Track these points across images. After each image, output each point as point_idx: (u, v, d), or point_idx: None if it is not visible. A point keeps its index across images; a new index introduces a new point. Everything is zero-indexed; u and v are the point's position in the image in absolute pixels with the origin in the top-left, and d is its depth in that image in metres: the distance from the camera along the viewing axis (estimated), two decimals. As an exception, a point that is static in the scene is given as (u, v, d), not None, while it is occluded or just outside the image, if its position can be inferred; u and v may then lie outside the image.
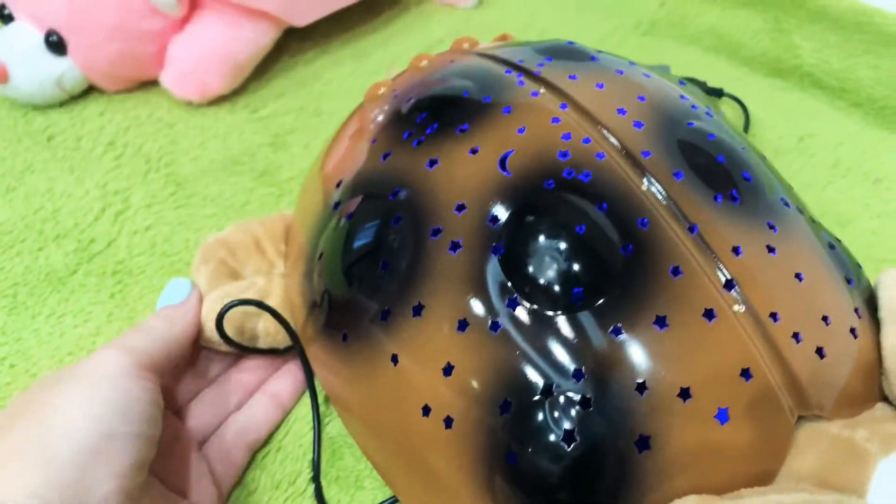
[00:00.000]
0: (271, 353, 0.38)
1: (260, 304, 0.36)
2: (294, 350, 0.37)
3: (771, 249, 0.28)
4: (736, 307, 0.27)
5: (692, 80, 0.55)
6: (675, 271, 0.27)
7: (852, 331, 0.29)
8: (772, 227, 0.29)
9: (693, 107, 0.33)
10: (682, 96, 0.33)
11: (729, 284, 0.27)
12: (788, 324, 0.27)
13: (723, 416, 0.26)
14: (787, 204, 0.31)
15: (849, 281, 0.30)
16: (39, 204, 0.45)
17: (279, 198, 0.47)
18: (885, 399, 0.29)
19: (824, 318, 0.28)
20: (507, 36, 0.40)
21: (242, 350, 0.37)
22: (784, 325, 0.27)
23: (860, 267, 0.32)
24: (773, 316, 0.27)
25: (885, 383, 0.29)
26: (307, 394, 0.36)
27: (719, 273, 0.27)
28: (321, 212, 0.36)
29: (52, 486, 0.25)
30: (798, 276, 0.28)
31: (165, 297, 0.35)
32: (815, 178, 0.50)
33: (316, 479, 0.34)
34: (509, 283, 0.28)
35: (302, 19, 0.53)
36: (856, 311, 0.29)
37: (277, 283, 0.38)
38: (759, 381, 0.26)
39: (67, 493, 0.25)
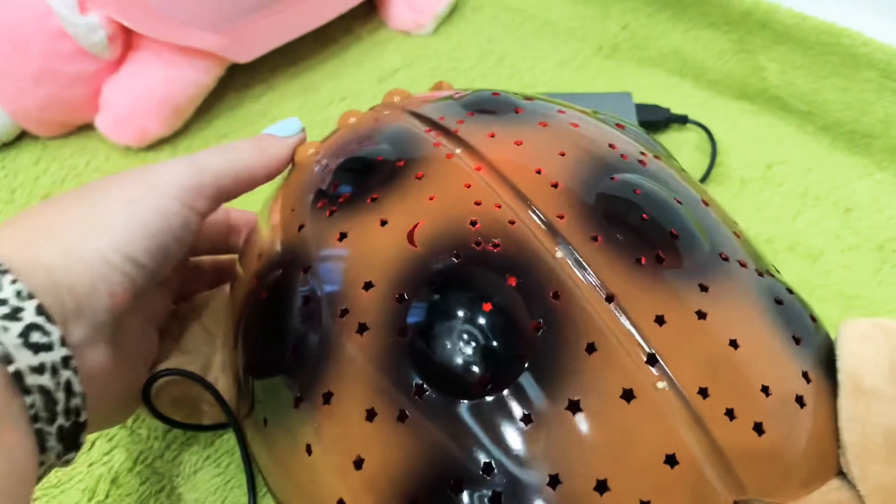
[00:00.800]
0: (216, 427, 0.36)
1: (189, 374, 0.34)
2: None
3: (701, 315, 0.26)
4: (659, 384, 0.25)
5: (655, 107, 0.53)
6: (591, 348, 0.25)
7: (799, 399, 0.26)
8: (703, 289, 0.27)
9: (623, 155, 0.31)
10: (611, 144, 0.31)
11: (651, 359, 0.25)
12: (720, 399, 0.25)
13: (646, 508, 0.24)
14: (725, 259, 0.29)
15: (797, 341, 0.28)
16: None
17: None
18: (841, 473, 0.27)
19: (764, 389, 0.26)
20: (442, 84, 0.39)
21: (182, 427, 0.35)
22: (715, 402, 0.25)
23: (815, 320, 0.30)
24: (703, 392, 0.25)
25: (842, 459, 0.26)
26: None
27: (640, 347, 0.25)
28: (246, 282, 0.34)
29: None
30: (733, 342, 0.26)
31: (276, 128, 0.35)
32: (784, 209, 0.48)
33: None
34: (414, 368, 0.26)
35: (245, 56, 0.51)
36: (804, 374, 0.27)
37: (219, 356, 0.36)
38: (687, 468, 0.24)
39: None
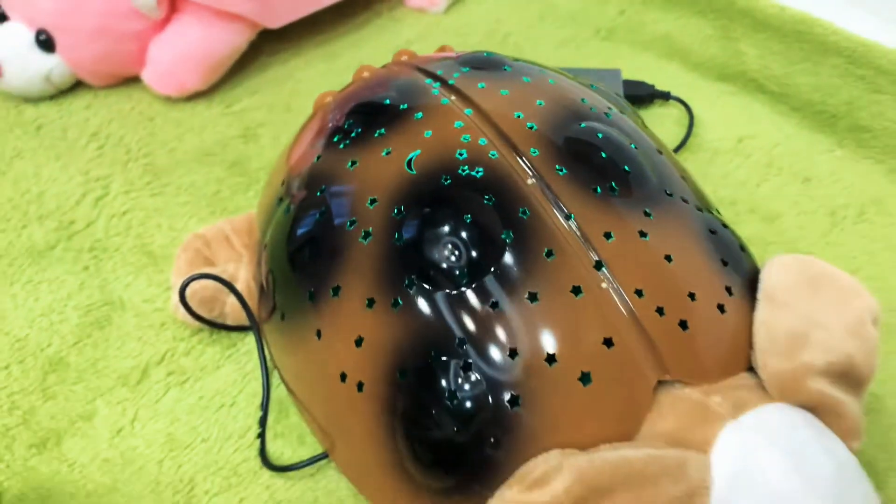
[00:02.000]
0: (237, 329, 0.42)
1: (218, 278, 0.41)
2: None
3: (643, 234, 0.32)
4: (603, 284, 0.31)
5: (641, 83, 0.58)
6: (549, 254, 0.31)
7: (720, 307, 0.32)
8: (647, 215, 0.33)
9: (592, 108, 0.37)
10: (583, 99, 0.37)
11: (598, 265, 0.31)
12: (652, 299, 0.31)
13: (585, 379, 0.29)
14: (670, 194, 0.34)
15: (725, 263, 0.34)
16: (26, 187, 0.50)
17: (248, 187, 0.51)
18: (752, 369, 0.32)
19: (691, 295, 0.31)
20: (446, 48, 0.44)
21: (208, 324, 0.42)
22: (648, 301, 0.31)
23: (745, 250, 0.36)
24: (638, 292, 0.31)
25: (752, 356, 0.32)
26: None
27: (590, 255, 0.31)
28: (271, 206, 0.40)
29: None
30: (667, 257, 0.32)
31: None
32: (750, 177, 0.53)
33: (262, 434, 0.39)
34: (407, 266, 0.32)
35: (275, 22, 0.57)
36: (727, 289, 0.33)
37: (245, 270, 0.42)
38: (621, 349, 0.30)
39: None
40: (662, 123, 0.57)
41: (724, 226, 0.36)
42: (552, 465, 0.28)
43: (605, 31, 0.64)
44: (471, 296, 0.31)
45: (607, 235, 0.32)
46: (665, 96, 0.58)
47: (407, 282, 0.32)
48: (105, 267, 0.46)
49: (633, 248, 0.32)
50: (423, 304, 0.31)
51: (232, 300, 0.42)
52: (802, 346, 0.31)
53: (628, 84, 0.58)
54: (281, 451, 0.38)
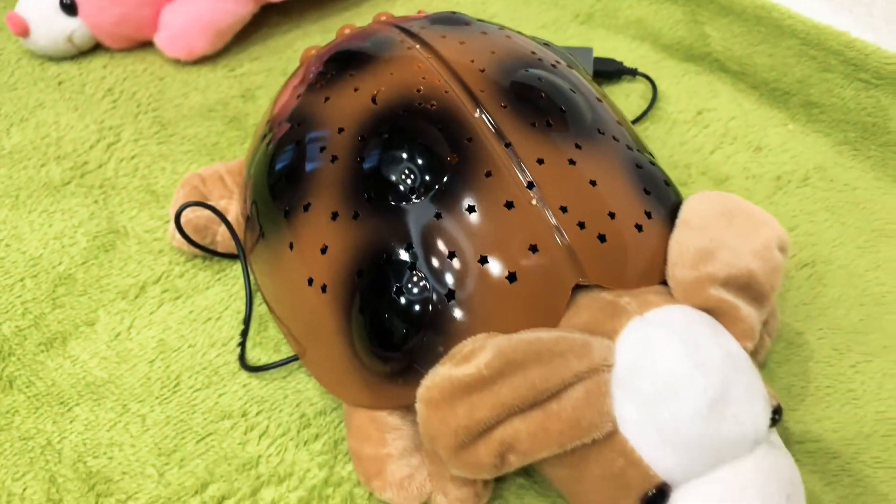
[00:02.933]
0: (226, 255, 0.48)
1: (209, 206, 0.46)
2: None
3: (572, 162, 0.37)
4: (533, 201, 0.35)
5: (611, 60, 0.63)
6: (488, 174, 0.36)
7: (638, 226, 0.37)
8: (578, 147, 0.37)
9: (540, 60, 0.41)
10: (533, 52, 0.42)
11: (530, 185, 0.36)
12: (575, 215, 0.35)
13: (512, 278, 0.34)
14: (602, 133, 0.39)
15: (648, 192, 0.38)
16: (46, 132, 0.56)
17: (244, 140, 0.57)
18: (665, 283, 0.37)
19: (611, 214, 0.36)
20: (421, 11, 0.50)
21: (200, 249, 0.47)
22: (571, 216, 0.35)
23: (669, 185, 0.40)
24: (563, 209, 0.35)
25: (666, 271, 0.36)
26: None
27: (522, 176, 0.36)
28: (256, 144, 0.45)
29: None
30: (592, 182, 0.36)
31: None
32: (705, 144, 0.57)
33: (242, 342, 0.44)
34: (367, 183, 0.37)
35: (276, -5, 0.63)
36: (647, 213, 0.37)
37: (235, 205, 0.48)
38: (545, 255, 0.34)
39: None
40: (628, 97, 0.62)
41: (652, 164, 0.40)
42: (478, 344, 0.32)
43: (583, 15, 0.69)
44: (419, 208, 0.36)
45: (540, 161, 0.36)
46: (632, 72, 0.62)
47: (366, 196, 0.37)
48: (113, 202, 0.51)
49: (561, 173, 0.37)
50: (378, 215, 0.36)
51: (222, 230, 0.47)
52: (708, 260, 0.35)
53: (598, 61, 0.62)
54: (258, 357, 0.43)
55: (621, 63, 0.63)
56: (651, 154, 0.42)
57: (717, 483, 0.31)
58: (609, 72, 0.62)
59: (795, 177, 0.55)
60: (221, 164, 0.50)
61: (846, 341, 0.45)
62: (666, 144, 0.57)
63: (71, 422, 0.40)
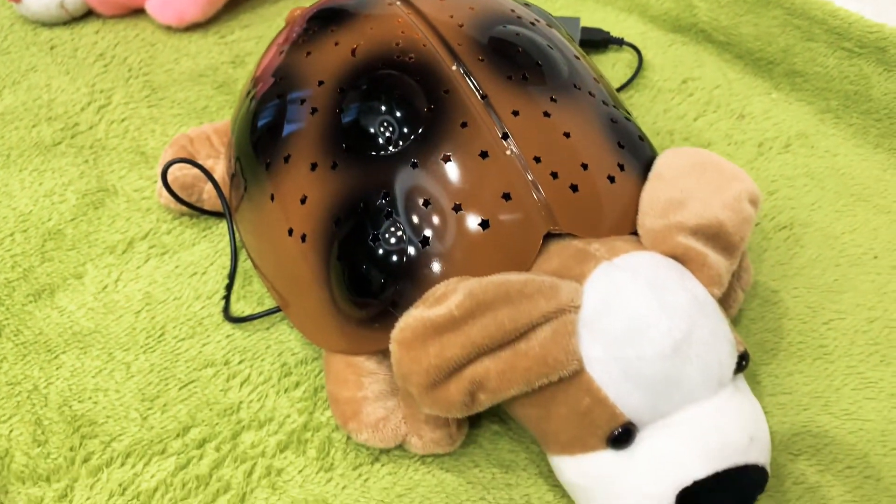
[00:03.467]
0: (212, 213, 0.48)
1: (196, 164, 0.46)
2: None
3: (546, 115, 0.37)
4: (507, 152, 0.36)
5: (598, 30, 0.63)
6: (464, 125, 0.36)
7: (611, 178, 0.37)
8: (553, 100, 0.38)
9: (519, 17, 0.42)
10: (513, 10, 0.43)
11: (505, 136, 0.36)
12: (548, 166, 0.36)
13: (484, 224, 0.35)
14: (578, 87, 0.40)
15: (622, 146, 0.39)
16: (38, 95, 0.56)
17: (232, 104, 0.58)
18: (636, 234, 0.37)
19: (584, 165, 0.37)
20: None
21: (186, 205, 0.47)
22: (544, 166, 0.36)
23: (644, 139, 0.41)
24: (537, 159, 0.36)
25: (637, 219, 0.37)
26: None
27: (497, 127, 0.36)
28: (241, 102, 0.46)
29: None
30: (566, 134, 0.37)
31: None
32: (688, 112, 0.58)
33: (227, 295, 0.44)
34: (346, 134, 0.37)
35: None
36: (619, 165, 0.38)
37: (221, 165, 0.49)
38: (517, 203, 0.35)
39: None
40: (615, 66, 0.62)
41: (627, 119, 0.41)
42: (450, 287, 0.33)
43: (573, -14, 0.70)
44: (396, 157, 0.36)
45: (515, 113, 0.37)
46: (619, 42, 0.63)
47: (344, 146, 0.37)
48: (103, 162, 0.52)
49: (536, 124, 0.37)
50: (355, 165, 0.37)
51: (209, 188, 0.48)
52: (678, 209, 0.36)
53: (586, 30, 0.63)
54: (242, 310, 0.44)
55: (608, 32, 0.63)
56: (628, 111, 0.43)
57: (681, 423, 0.32)
58: (596, 41, 0.63)
59: (777, 143, 0.56)
60: (209, 125, 0.51)
61: (820, 300, 0.46)
62: (650, 112, 0.58)
63: (57, 368, 0.41)
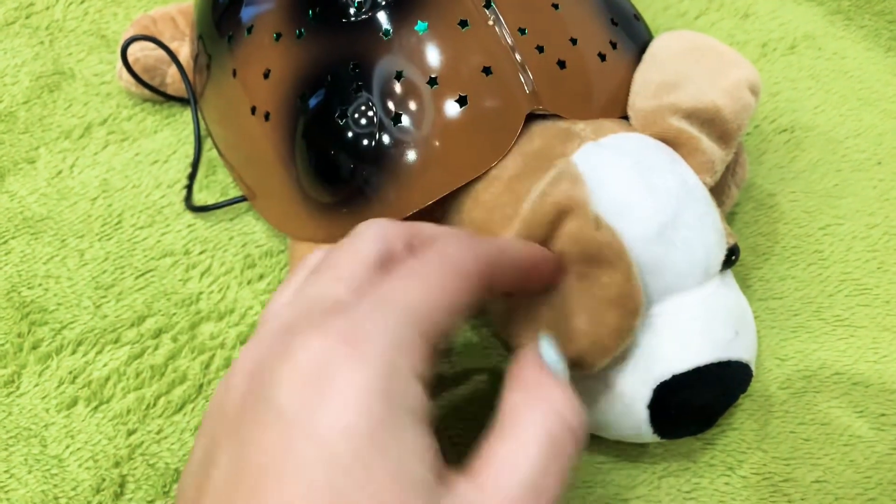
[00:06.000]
0: (176, 98, 0.45)
1: (158, 42, 0.43)
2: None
3: (534, -16, 0.34)
4: (490, 22, 0.33)
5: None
6: (443, -10, 0.33)
7: (601, 55, 0.34)
8: (542, -30, 0.35)
9: None
10: None
11: (487, 4, 0.33)
12: (534, 38, 0.33)
13: (462, 101, 0.32)
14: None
15: (615, 23, 0.36)
16: (-11, -26, 0.52)
17: (201, -9, 0.53)
18: (625, 117, 0.35)
19: (573, 40, 0.34)
20: None
21: (148, 88, 0.44)
22: (529, 39, 0.33)
23: (639, 19, 0.38)
24: (522, 30, 0.33)
25: (628, 100, 0.34)
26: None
27: (480, -6, 0.33)
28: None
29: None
30: (555, 5, 0.34)
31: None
32: (690, 10, 0.54)
33: (189, 184, 0.42)
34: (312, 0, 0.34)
35: None
36: (612, 43, 0.35)
37: (187, 47, 0.45)
38: (498, 78, 0.32)
39: None
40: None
41: (626, -2, 0.38)
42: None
43: None
44: (365, 25, 0.33)
45: (500, -20, 0.34)
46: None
47: (311, 13, 0.34)
48: (60, 44, 0.48)
49: (522, -8, 0.34)
50: (322, 34, 0.34)
51: (172, 71, 0.44)
52: (672, 91, 0.33)
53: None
54: (205, 200, 0.42)
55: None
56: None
57: (662, 314, 0.30)
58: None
59: (782, 44, 0.52)
60: (174, 6, 0.47)
61: (818, 205, 0.43)
62: (649, 8, 0.54)
63: (6, 254, 0.39)
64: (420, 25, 0.33)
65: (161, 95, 0.45)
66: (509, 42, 0.33)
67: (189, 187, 0.41)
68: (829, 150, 0.46)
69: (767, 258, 0.41)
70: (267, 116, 0.35)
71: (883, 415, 0.36)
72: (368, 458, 0.18)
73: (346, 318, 0.20)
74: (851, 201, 0.43)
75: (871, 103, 0.48)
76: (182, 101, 0.45)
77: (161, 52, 0.43)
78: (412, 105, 0.32)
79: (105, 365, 0.35)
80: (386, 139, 0.32)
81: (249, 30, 0.36)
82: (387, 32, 0.33)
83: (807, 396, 0.36)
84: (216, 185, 0.42)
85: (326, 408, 0.19)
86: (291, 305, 0.23)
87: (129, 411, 0.34)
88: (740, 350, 0.31)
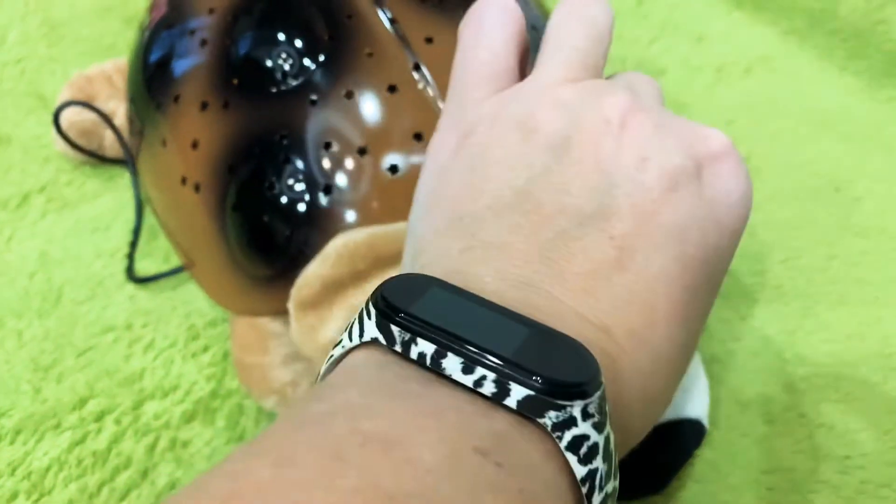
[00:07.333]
0: (113, 161, 0.44)
1: (91, 107, 0.42)
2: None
3: (465, 41, 0.33)
4: (419, 85, 0.32)
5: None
6: (370, 54, 0.32)
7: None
8: (473, 25, 0.34)
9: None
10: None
11: (416, 66, 0.32)
12: (466, 99, 0.32)
13: (394, 169, 0.31)
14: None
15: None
16: (-79, 35, 0.51)
17: (143, 42, 0.52)
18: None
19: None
20: None
21: (85, 153, 0.43)
22: (461, 101, 0.32)
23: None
24: (453, 93, 0.32)
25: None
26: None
27: (409, 57, 0.32)
28: (136, 36, 0.41)
29: None
30: (487, 64, 0.33)
31: None
32: (642, 36, 0.54)
33: (131, 253, 0.41)
34: (237, 68, 0.33)
35: None
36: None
37: (123, 107, 0.44)
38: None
39: None
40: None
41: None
42: (349, 239, 0.29)
43: None
44: (293, 93, 0.32)
45: (428, 40, 0.33)
46: (570, -40, 0.58)
47: (236, 82, 0.33)
48: (-5, 110, 0.47)
49: (452, 53, 0.33)
50: (248, 103, 0.33)
51: (110, 135, 0.43)
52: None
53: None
54: (147, 269, 0.40)
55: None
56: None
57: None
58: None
59: (737, 68, 0.51)
60: (111, 63, 0.46)
61: (778, 237, 0.42)
62: (601, 36, 0.53)
63: (-60, 339, 0.38)
64: (348, 92, 0.32)
65: (99, 159, 0.43)
66: (440, 105, 0.32)
67: (130, 256, 0.40)
68: (787, 176, 0.45)
69: (727, 298, 0.40)
70: (197, 188, 0.34)
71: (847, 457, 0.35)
72: None
73: None
74: (810, 231, 0.43)
75: (828, 126, 0.48)
76: (122, 162, 0.44)
77: (97, 116, 0.42)
78: (343, 175, 0.31)
79: (45, 454, 0.34)
80: (317, 210, 0.31)
81: (176, 98, 0.35)
82: (314, 101, 0.32)
83: (768, 442, 0.36)
84: (158, 251, 0.41)
85: None
86: None
87: (70, 502, 0.33)
88: (696, 408, 0.30)
